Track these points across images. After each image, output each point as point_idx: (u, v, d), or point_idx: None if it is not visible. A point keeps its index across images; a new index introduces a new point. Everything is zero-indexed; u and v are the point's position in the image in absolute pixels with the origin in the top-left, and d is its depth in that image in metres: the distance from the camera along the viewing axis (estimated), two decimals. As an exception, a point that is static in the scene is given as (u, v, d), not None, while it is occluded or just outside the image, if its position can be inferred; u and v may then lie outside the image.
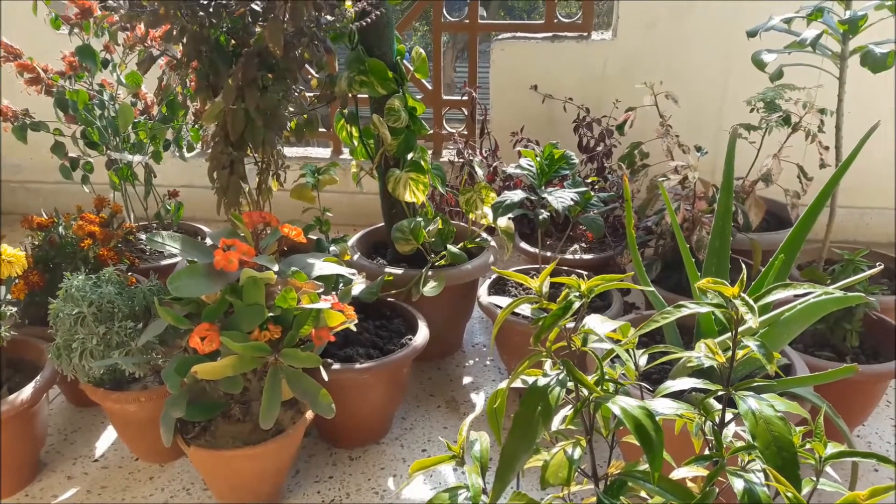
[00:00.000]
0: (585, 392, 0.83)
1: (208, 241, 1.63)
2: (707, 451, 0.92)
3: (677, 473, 0.91)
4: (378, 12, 1.73)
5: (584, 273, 2.05)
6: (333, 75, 1.90)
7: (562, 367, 0.79)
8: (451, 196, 2.38)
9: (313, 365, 1.41)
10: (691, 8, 2.61)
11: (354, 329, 1.48)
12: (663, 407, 0.87)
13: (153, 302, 1.59)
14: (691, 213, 1.85)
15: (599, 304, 1.92)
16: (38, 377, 1.60)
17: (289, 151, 3.07)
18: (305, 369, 1.51)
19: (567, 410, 0.88)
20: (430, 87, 2.83)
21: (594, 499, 0.82)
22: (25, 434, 1.62)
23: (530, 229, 2.32)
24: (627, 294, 2.11)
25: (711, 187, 1.82)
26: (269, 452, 1.47)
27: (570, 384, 0.83)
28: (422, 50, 2.00)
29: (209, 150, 1.79)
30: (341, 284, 1.70)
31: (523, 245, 2.21)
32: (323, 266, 1.56)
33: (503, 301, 0.86)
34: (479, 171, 2.14)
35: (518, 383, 0.85)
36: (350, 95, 1.91)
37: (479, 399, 1.97)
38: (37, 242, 1.77)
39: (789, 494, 0.72)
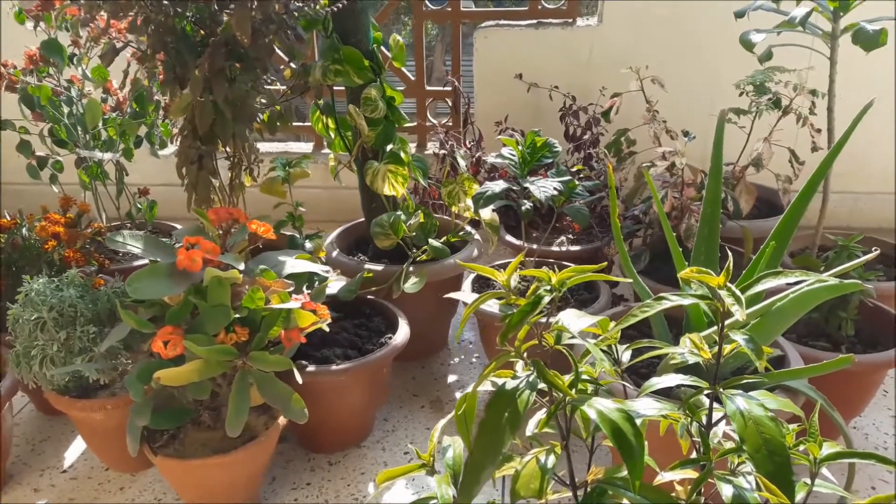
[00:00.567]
0: (561, 394, 0.76)
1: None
2: (695, 454, 0.85)
3: (663, 478, 0.85)
4: (350, -3, 1.66)
5: (570, 265, 1.99)
6: (307, 65, 1.83)
7: (532, 368, 0.72)
8: (435, 189, 2.31)
9: (283, 368, 1.34)
10: (678, -9, 2.54)
11: (328, 329, 1.41)
12: (646, 408, 0.80)
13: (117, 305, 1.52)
14: (679, 200, 1.78)
15: (587, 296, 1.86)
16: (-1, 385, 1.53)
17: (269, 146, 2.99)
18: (278, 373, 1.44)
19: (543, 414, 0.82)
20: (412, 78, 2.76)
21: (572, 509, 0.76)
22: (-12, 445, 1.55)
23: (516, 221, 2.25)
24: (616, 286, 2.05)
25: (700, 173, 1.76)
26: (240, 460, 1.41)
27: (545, 386, 0.76)
28: (399, 37, 1.93)
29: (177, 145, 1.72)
30: (316, 283, 1.63)
31: (509, 238, 2.14)
32: (295, 264, 1.49)
33: (471, 298, 0.79)
34: (462, 162, 2.07)
35: (489, 386, 0.78)
36: (325, 85, 1.84)
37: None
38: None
39: (782, 504, 0.66)
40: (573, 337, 0.78)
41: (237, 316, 1.33)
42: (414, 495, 1.58)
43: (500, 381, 0.73)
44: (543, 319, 0.77)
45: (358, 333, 1.73)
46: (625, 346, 1.00)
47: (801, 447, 0.80)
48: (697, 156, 1.95)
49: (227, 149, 1.75)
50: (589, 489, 0.82)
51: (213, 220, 1.46)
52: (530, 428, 0.82)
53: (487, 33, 2.67)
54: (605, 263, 0.80)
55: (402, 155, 1.95)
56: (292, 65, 1.83)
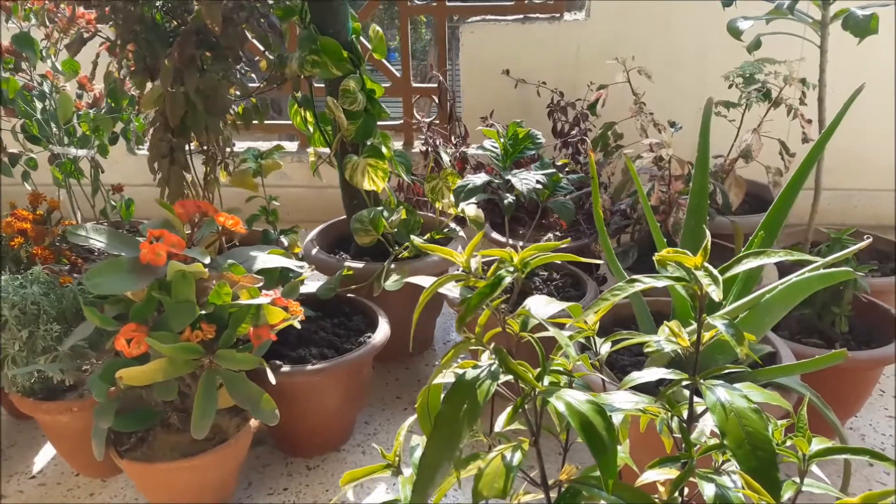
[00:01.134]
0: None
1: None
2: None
3: (646, 477, 0.79)
4: (325, -15, 1.61)
5: (558, 262, 1.94)
6: (284, 56, 1.77)
7: (494, 357, 0.67)
8: (419, 185, 2.25)
9: (251, 366, 1.28)
10: (667, -15, 2.50)
11: (298, 326, 1.36)
12: (621, 401, 0.75)
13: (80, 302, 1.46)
14: (667, 194, 1.73)
15: (573, 293, 1.80)
16: (-41, 388, 1.47)
17: (256, 144, 2.93)
18: (250, 372, 1.39)
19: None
20: (398, 75, 2.71)
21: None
22: (-51, 450, 1.49)
23: (502, 218, 2.19)
24: (605, 283, 1.99)
25: (688, 166, 1.71)
26: (209, 464, 1.35)
27: (512, 378, 0.71)
28: (379, 28, 1.88)
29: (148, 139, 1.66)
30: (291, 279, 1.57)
31: (494, 235, 2.09)
32: (266, 259, 1.43)
33: (427, 280, 0.73)
34: (446, 157, 2.02)
35: (452, 377, 0.72)
36: (303, 78, 1.79)
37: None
38: (-37, 242, 1.64)
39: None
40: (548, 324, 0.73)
41: (203, 312, 1.27)
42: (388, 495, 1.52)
43: (461, 372, 0.68)
44: (506, 306, 0.72)
45: (336, 333, 1.68)
46: (603, 339, 0.94)
47: (790, 443, 0.74)
48: (686, 150, 1.90)
49: (202, 142, 1.70)
50: (562, 489, 0.76)
51: (181, 213, 1.41)
52: (499, 425, 0.77)
53: (474, 28, 2.62)
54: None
55: (384, 150, 1.89)
56: (269, 55, 1.78)
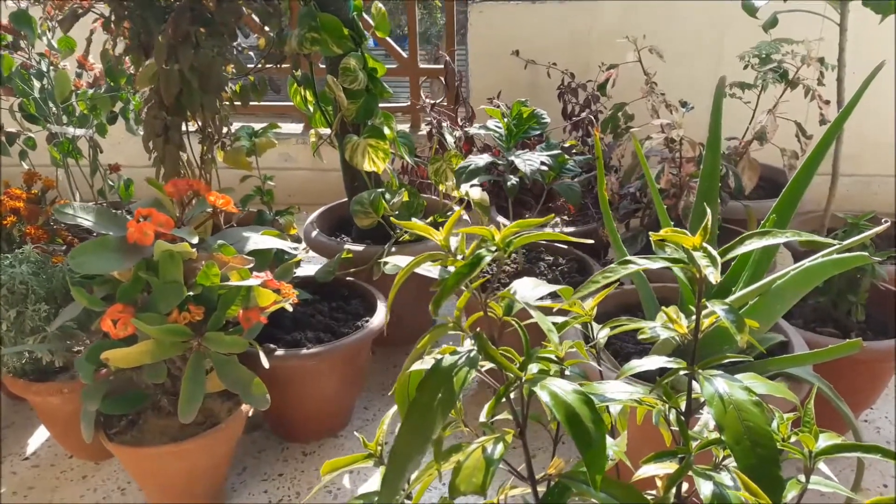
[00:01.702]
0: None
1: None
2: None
3: (642, 472, 0.74)
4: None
5: (564, 246, 1.88)
6: (283, 33, 1.73)
7: (474, 343, 0.62)
8: (423, 168, 2.20)
9: (239, 350, 1.24)
10: (683, -38, 2.42)
11: (290, 308, 1.31)
12: (615, 391, 0.70)
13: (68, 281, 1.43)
14: (678, 177, 1.67)
15: (580, 279, 1.75)
16: (-52, 369, 1.44)
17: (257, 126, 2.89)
18: (242, 356, 1.35)
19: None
20: (405, 56, 2.66)
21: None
22: (-60, 431, 1.46)
23: (507, 201, 2.14)
24: (612, 270, 1.93)
25: (699, 147, 1.64)
26: (199, 449, 1.31)
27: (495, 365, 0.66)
28: (382, 5, 1.82)
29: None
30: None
31: (500, 219, 2.03)
32: (259, 240, 1.39)
33: (404, 259, 0.69)
34: (450, 139, 1.96)
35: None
36: (303, 56, 1.74)
37: (449, 386, 1.80)
38: (-44, 221, 1.61)
39: None
40: (540, 307, 0.68)
41: (191, 294, 1.23)
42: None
43: (438, 358, 0.63)
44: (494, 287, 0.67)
45: (334, 316, 1.63)
46: (601, 325, 0.89)
47: (795, 439, 0.69)
48: (700, 131, 1.84)
49: (198, 121, 1.66)
50: (551, 484, 0.71)
51: (172, 192, 1.36)
52: (483, 415, 0.72)
53: (483, 8, 2.56)
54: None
55: (387, 130, 1.85)
56: (268, 32, 1.73)
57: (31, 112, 1.91)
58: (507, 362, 0.61)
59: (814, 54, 1.69)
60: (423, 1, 5.64)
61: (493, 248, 0.62)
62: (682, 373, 0.67)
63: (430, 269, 0.65)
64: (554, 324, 0.79)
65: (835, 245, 0.93)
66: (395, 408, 0.87)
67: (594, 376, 0.90)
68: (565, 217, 2.08)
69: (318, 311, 1.63)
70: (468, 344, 0.66)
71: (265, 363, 1.36)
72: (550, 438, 0.79)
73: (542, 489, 0.72)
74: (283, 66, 1.81)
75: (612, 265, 0.63)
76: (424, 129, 2.64)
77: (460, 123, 2.32)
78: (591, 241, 0.80)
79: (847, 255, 0.96)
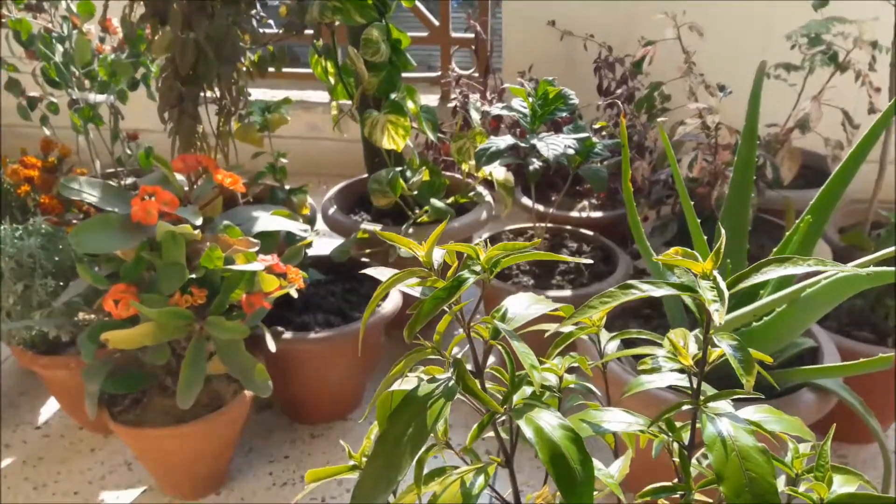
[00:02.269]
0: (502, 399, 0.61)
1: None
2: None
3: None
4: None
5: (590, 233, 1.81)
6: (304, 1, 1.66)
7: (452, 370, 0.57)
8: (447, 144, 2.13)
9: (240, 336, 1.21)
10: (733, -69, 2.28)
11: (295, 294, 1.27)
12: (613, 421, 0.64)
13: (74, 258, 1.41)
14: (712, 165, 1.58)
15: (603, 269, 1.68)
16: (-41, 338, 1.44)
17: (282, 94, 2.84)
18: (250, 338, 1.32)
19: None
20: (436, 23, 2.57)
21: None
22: (-49, 399, 1.47)
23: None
24: (639, 258, 1.86)
25: (736, 134, 1.54)
26: (201, 432, 1.29)
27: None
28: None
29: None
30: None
31: (524, 200, 1.97)
32: (268, 221, 1.35)
33: (385, 273, 0.64)
34: (475, 115, 1.89)
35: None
36: (324, 25, 1.68)
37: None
38: (-28, 188, 1.60)
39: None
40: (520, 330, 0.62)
41: (193, 276, 1.20)
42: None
43: (417, 382, 0.58)
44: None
45: (347, 299, 1.59)
46: (609, 336, 0.83)
47: (805, 487, 0.63)
48: (740, 117, 1.74)
49: (214, 92, 1.62)
50: (539, 515, 0.66)
51: (180, 167, 1.33)
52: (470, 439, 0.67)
53: (519, -24, 2.46)
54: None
55: (411, 104, 1.78)
56: (287, 1, 1.67)
57: (52, 77, 1.89)
58: (486, 397, 0.56)
59: (866, 36, 1.57)
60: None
61: (478, 269, 0.56)
62: (685, 407, 0.61)
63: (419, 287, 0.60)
64: (559, 335, 0.73)
65: (870, 257, 0.86)
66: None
67: (600, 392, 0.84)
68: (593, 200, 2.01)
69: (331, 292, 1.59)
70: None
71: (272, 347, 1.33)
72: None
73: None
74: (306, 33, 1.75)
75: (612, 290, 0.57)
76: (458, 96, 2.57)
77: (489, 98, 2.24)
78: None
79: (881, 269, 0.88)
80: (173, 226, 1.16)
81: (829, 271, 0.57)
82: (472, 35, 2.50)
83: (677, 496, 0.67)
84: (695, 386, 0.61)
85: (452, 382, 0.55)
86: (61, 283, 1.38)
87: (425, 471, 0.65)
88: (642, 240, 1.31)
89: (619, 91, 2.19)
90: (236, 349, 1.25)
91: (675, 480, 0.67)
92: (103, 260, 1.28)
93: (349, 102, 1.83)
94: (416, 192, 1.73)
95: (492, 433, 0.67)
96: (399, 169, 1.70)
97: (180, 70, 1.52)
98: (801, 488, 0.63)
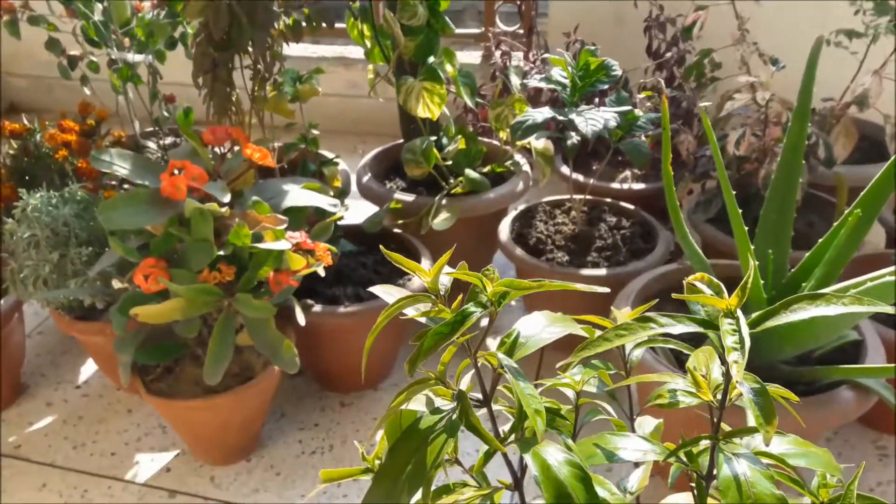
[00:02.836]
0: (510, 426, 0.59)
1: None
2: None
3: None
4: None
5: (631, 207, 1.75)
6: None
7: (456, 402, 0.54)
8: (486, 109, 2.07)
9: (266, 315, 1.21)
10: None
11: (322, 273, 1.26)
12: (628, 448, 0.62)
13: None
14: (761, 140, 1.50)
15: (641, 246, 1.63)
16: (1, 301, 1.48)
17: (321, 50, 2.80)
18: (280, 310, 1.32)
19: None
20: (481, -21, 2.48)
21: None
22: (-4, 359, 1.51)
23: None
24: (681, 233, 1.80)
25: (785, 112, 1.46)
26: (230, 403, 1.31)
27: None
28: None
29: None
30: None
31: (564, 170, 1.91)
32: (298, 195, 1.34)
33: (391, 295, 0.61)
34: (515, 80, 1.83)
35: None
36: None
37: (494, 345, 1.74)
38: (12, 152, 1.62)
39: None
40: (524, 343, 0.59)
41: (221, 253, 1.19)
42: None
43: (422, 409, 0.56)
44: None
45: (378, 270, 1.58)
46: (634, 343, 0.80)
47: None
48: (794, 86, 1.65)
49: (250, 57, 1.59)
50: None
51: (210, 139, 1.31)
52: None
53: (568, -72, 2.34)
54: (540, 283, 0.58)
55: (449, 68, 1.73)
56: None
57: (91, 36, 1.89)
58: (488, 435, 0.53)
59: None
60: None
61: (485, 302, 0.53)
62: (703, 442, 0.58)
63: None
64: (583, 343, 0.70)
65: None
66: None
67: (617, 413, 0.81)
68: (636, 171, 1.94)
69: (362, 263, 1.58)
70: (466, 383, 0.59)
71: (301, 321, 1.33)
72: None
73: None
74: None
75: (630, 323, 0.54)
76: (498, 60, 2.50)
77: (532, 59, 2.16)
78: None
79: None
80: (201, 203, 1.15)
81: (865, 310, 0.52)
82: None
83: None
84: (715, 420, 0.58)
85: (455, 417, 0.53)
86: (96, 252, 1.40)
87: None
88: (681, 224, 1.26)
89: (668, 54, 2.09)
90: (264, 326, 1.25)
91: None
92: (134, 232, 1.29)
93: (384, 66, 1.79)
94: (450, 162, 1.70)
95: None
96: (434, 138, 1.66)
97: (213, 35, 1.50)
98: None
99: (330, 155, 1.92)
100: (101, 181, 1.60)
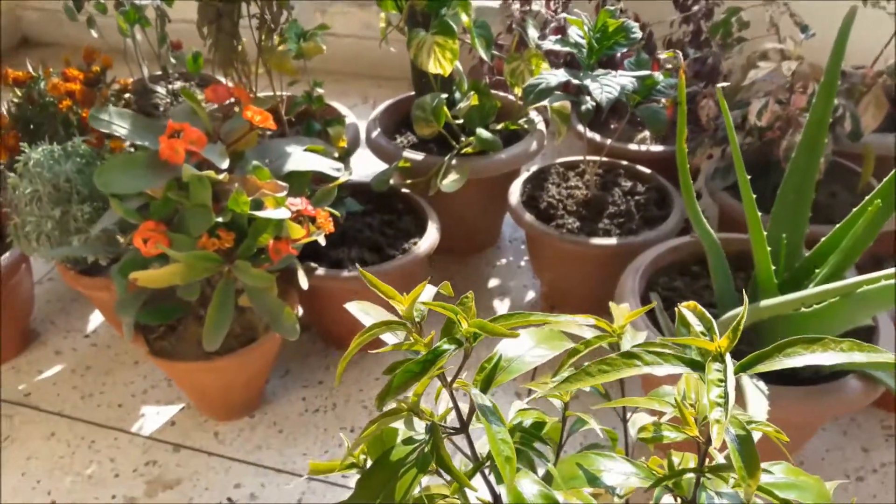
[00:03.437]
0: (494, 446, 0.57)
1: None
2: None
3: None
4: None
5: (647, 171, 1.70)
6: None
7: (428, 434, 0.53)
8: (502, 62, 2.00)
9: (264, 284, 1.20)
10: None
11: (323, 242, 1.24)
12: (613, 471, 0.60)
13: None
14: (785, 110, 1.43)
15: (655, 213, 1.59)
16: (6, 255, 1.48)
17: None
18: (281, 273, 1.31)
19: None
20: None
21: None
22: (4, 310, 1.52)
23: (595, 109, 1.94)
24: (699, 198, 1.74)
25: (812, 83, 1.39)
26: (232, 366, 1.31)
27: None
28: None
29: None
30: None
31: (581, 128, 1.85)
32: (300, 159, 1.31)
33: (368, 315, 0.59)
34: (533, 33, 1.75)
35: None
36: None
37: (502, 308, 1.72)
38: (16, 100, 1.59)
39: None
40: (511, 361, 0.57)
41: (219, 220, 1.17)
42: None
43: (399, 438, 0.55)
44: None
45: (384, 231, 1.56)
46: (633, 345, 0.77)
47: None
48: (823, 51, 1.56)
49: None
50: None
51: (211, 97, 1.28)
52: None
53: None
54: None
55: (465, 17, 1.66)
56: None
57: (97, -24, 1.83)
58: (459, 474, 0.52)
59: None
60: None
61: (460, 338, 0.51)
62: (688, 474, 0.56)
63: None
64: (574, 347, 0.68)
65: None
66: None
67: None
68: (655, 131, 1.87)
69: (368, 224, 1.56)
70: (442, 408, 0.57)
71: (304, 285, 1.32)
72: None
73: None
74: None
75: (615, 359, 0.51)
76: (515, 12, 2.40)
77: (553, 9, 2.07)
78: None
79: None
80: (198, 170, 1.13)
81: (865, 358, 0.49)
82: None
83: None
84: (700, 454, 0.56)
85: (427, 450, 0.52)
86: (98, 209, 1.38)
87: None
88: (691, 197, 1.21)
89: (696, 7, 1.99)
90: (264, 292, 1.24)
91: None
92: (134, 194, 1.27)
93: (397, 14, 1.72)
94: (462, 121, 1.65)
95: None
96: (444, 96, 1.61)
97: (218, -16, 1.45)
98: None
99: (339, 107, 1.88)
100: (89, 139, 1.57)
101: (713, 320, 0.52)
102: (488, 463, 0.55)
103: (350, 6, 2.63)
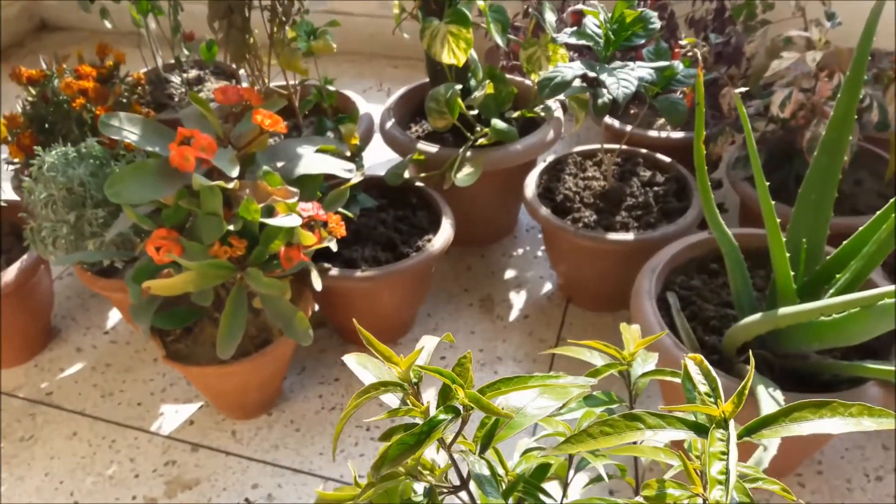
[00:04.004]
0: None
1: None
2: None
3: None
4: None
5: (667, 160, 1.66)
6: None
7: (426, 498, 0.52)
8: (518, 47, 1.96)
9: (276, 292, 1.19)
10: None
11: (335, 248, 1.24)
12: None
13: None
14: (809, 98, 1.39)
15: (675, 205, 1.56)
16: (24, 256, 1.49)
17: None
18: (295, 274, 1.31)
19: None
20: None
21: None
22: (24, 309, 1.54)
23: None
24: (719, 187, 1.71)
25: (837, 74, 1.34)
26: (245, 370, 1.32)
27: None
28: None
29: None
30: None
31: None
32: (311, 161, 1.29)
33: (366, 371, 0.58)
34: (550, 17, 1.71)
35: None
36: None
37: (518, 300, 1.71)
38: (31, 99, 1.59)
39: None
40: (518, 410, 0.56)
41: (231, 228, 1.17)
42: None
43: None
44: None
45: (398, 228, 1.54)
46: (642, 372, 0.76)
47: None
48: (853, 34, 1.50)
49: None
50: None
51: (221, 99, 1.27)
52: None
53: None
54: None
55: (480, 2, 1.62)
56: None
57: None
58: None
59: None
60: None
61: (458, 408, 0.50)
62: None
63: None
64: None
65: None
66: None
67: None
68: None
69: (382, 220, 1.54)
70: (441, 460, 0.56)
71: (318, 286, 1.32)
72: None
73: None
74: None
75: (618, 420, 0.50)
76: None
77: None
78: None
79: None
80: (208, 179, 1.12)
81: (874, 425, 0.47)
82: None
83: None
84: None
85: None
86: (112, 212, 1.39)
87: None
88: (707, 192, 1.18)
89: (720, -17, 1.93)
90: (277, 298, 1.23)
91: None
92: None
93: (410, 2, 1.69)
94: (476, 111, 1.62)
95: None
96: (459, 86, 1.58)
97: (228, -22, 1.42)
98: None
99: (353, 95, 1.86)
100: (102, 140, 1.57)
101: (717, 379, 0.50)
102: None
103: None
